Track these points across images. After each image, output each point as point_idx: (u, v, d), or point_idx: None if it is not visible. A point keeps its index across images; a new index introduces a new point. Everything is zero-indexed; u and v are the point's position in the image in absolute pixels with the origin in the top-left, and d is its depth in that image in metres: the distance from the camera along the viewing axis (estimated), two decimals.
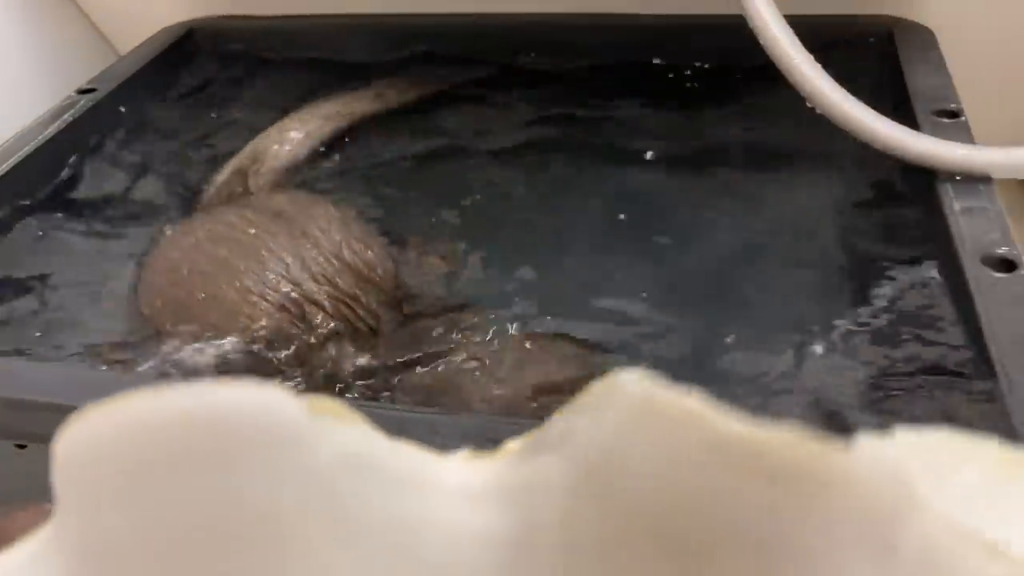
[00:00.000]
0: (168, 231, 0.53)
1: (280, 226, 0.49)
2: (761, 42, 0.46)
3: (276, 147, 0.59)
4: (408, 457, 0.16)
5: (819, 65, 0.45)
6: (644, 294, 0.46)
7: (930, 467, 0.12)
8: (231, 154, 0.59)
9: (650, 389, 0.11)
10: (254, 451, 0.14)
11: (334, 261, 0.47)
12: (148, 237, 0.54)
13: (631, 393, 0.11)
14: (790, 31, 0.45)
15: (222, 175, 0.57)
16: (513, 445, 0.17)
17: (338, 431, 0.15)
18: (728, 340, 0.42)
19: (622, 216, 0.53)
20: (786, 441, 0.10)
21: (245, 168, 0.57)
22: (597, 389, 0.12)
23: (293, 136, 0.60)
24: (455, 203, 0.55)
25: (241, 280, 0.45)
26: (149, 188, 0.58)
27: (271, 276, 0.46)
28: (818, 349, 0.41)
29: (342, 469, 0.15)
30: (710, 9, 0.58)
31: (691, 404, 0.11)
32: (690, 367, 0.41)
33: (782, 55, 0.45)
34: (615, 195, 0.54)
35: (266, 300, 0.45)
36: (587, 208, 0.54)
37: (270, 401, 0.14)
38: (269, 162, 0.57)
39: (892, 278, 0.43)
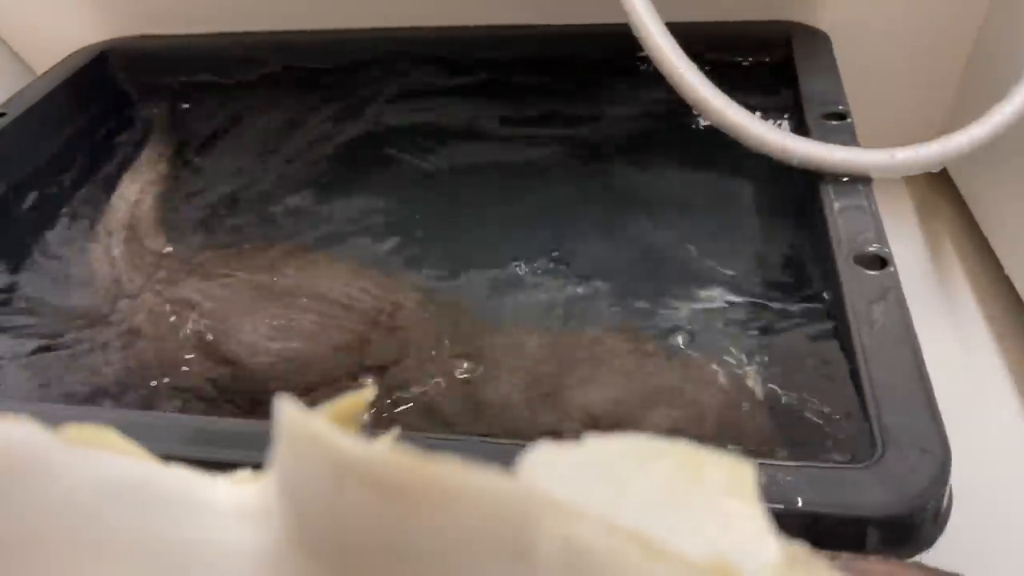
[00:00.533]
0: None
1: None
2: (645, 51, 0.47)
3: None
4: (178, 479, 0.17)
5: (702, 73, 0.46)
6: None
7: (610, 472, 0.13)
8: (143, 175, 0.59)
9: (292, 417, 0.12)
10: None
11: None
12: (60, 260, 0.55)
13: (282, 422, 0.12)
14: (672, 40, 0.46)
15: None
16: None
17: (97, 459, 0.16)
18: None
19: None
20: (396, 461, 0.11)
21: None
22: (277, 414, 0.13)
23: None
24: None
25: None
26: (60, 212, 0.58)
27: None
28: (689, 345, 0.42)
29: (100, 495, 0.16)
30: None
31: (319, 429, 0.12)
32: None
33: (665, 64, 0.46)
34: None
35: None
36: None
37: (10, 433, 0.15)
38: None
39: (773, 277, 0.45)
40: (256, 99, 0.69)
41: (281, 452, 0.13)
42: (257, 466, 0.19)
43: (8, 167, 0.59)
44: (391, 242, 0.54)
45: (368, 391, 0.15)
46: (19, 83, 0.69)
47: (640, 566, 0.12)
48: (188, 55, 0.69)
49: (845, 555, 0.23)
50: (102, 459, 0.16)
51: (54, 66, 0.66)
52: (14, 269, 0.55)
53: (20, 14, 0.70)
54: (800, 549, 0.13)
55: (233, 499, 0.17)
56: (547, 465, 0.13)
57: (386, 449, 0.11)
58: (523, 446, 0.30)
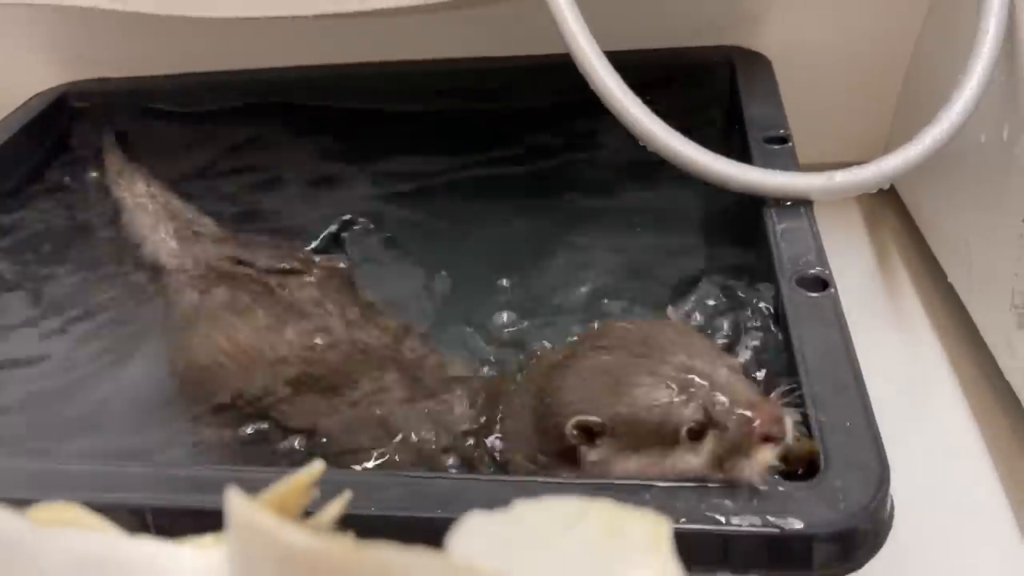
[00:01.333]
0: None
1: None
2: (593, 89, 0.49)
3: None
4: (143, 550, 0.18)
5: (645, 105, 0.48)
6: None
7: (538, 536, 0.15)
8: (104, 217, 0.60)
9: (241, 511, 0.13)
10: None
11: None
12: (27, 303, 0.55)
13: (232, 512, 0.14)
14: (616, 75, 0.48)
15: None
16: None
17: (69, 537, 0.17)
18: None
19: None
20: (334, 549, 0.12)
21: None
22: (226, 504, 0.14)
23: None
24: None
25: None
26: (20, 255, 0.59)
27: None
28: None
29: (75, 570, 0.17)
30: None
31: (267, 524, 0.13)
32: None
33: (609, 99, 0.48)
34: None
35: None
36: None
37: None
38: None
39: (720, 298, 0.46)
40: (210, 133, 0.70)
41: (231, 542, 0.14)
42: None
43: None
44: None
45: (315, 469, 0.16)
46: None
47: None
48: (144, 95, 0.70)
49: None
50: (71, 537, 0.17)
51: (15, 110, 0.67)
52: None
53: None
54: None
55: (197, 564, 0.18)
56: (478, 535, 0.14)
57: (325, 539, 0.12)
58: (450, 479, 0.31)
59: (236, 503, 0.13)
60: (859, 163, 0.48)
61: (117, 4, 0.60)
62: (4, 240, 0.61)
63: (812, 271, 0.43)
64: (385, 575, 0.12)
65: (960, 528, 0.45)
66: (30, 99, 0.69)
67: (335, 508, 0.16)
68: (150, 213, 0.57)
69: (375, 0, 0.55)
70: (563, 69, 0.51)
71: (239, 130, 0.68)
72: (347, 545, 0.13)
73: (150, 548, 0.18)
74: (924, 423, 0.52)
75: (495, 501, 0.15)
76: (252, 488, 0.33)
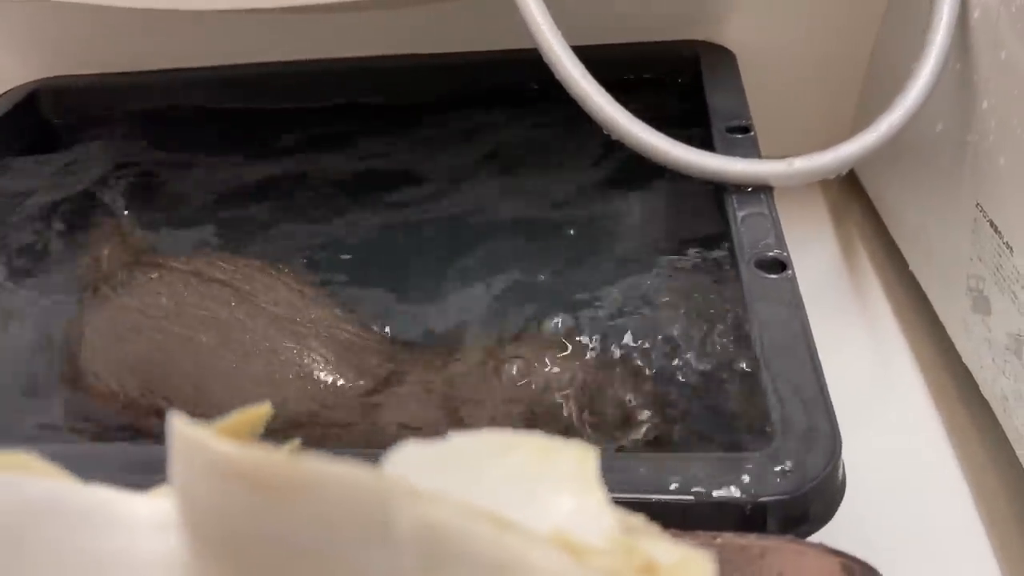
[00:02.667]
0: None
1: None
2: (555, 75, 0.50)
3: None
4: (96, 496, 0.19)
5: (609, 95, 0.49)
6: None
7: (470, 464, 0.15)
8: (73, 219, 0.60)
9: (180, 428, 0.14)
10: None
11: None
12: None
13: (175, 432, 0.14)
14: (579, 63, 0.49)
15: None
16: None
17: (17, 481, 0.17)
18: None
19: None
20: (265, 459, 0.13)
21: None
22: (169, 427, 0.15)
23: None
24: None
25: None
26: None
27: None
28: (596, 345, 0.44)
29: (22, 515, 0.17)
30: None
31: (199, 435, 0.14)
32: None
33: (574, 88, 0.49)
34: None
35: None
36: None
37: None
38: None
39: (681, 281, 0.47)
40: (184, 134, 0.70)
41: (173, 461, 0.14)
42: None
43: None
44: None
45: (264, 408, 0.17)
46: None
47: (492, 540, 0.14)
48: (116, 92, 0.71)
49: (726, 534, 0.25)
50: (21, 481, 0.18)
51: None
52: None
53: None
54: (636, 519, 0.15)
55: (151, 511, 0.19)
56: (411, 460, 0.15)
57: (259, 450, 0.13)
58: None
59: (178, 424, 0.14)
60: None
61: None
62: None
63: (770, 253, 0.44)
64: (318, 485, 0.13)
65: (916, 500, 0.46)
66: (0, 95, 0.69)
67: (286, 449, 0.16)
68: None
69: None
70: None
71: (217, 127, 0.69)
72: (283, 456, 0.13)
73: (104, 494, 0.18)
74: (885, 404, 0.53)
75: None
76: None
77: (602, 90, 0.49)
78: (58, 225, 0.62)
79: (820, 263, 0.65)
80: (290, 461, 0.13)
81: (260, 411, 0.17)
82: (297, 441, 0.18)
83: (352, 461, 0.13)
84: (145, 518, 0.19)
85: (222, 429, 0.15)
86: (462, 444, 0.16)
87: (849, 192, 0.70)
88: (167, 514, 0.18)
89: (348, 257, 0.56)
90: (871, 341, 0.58)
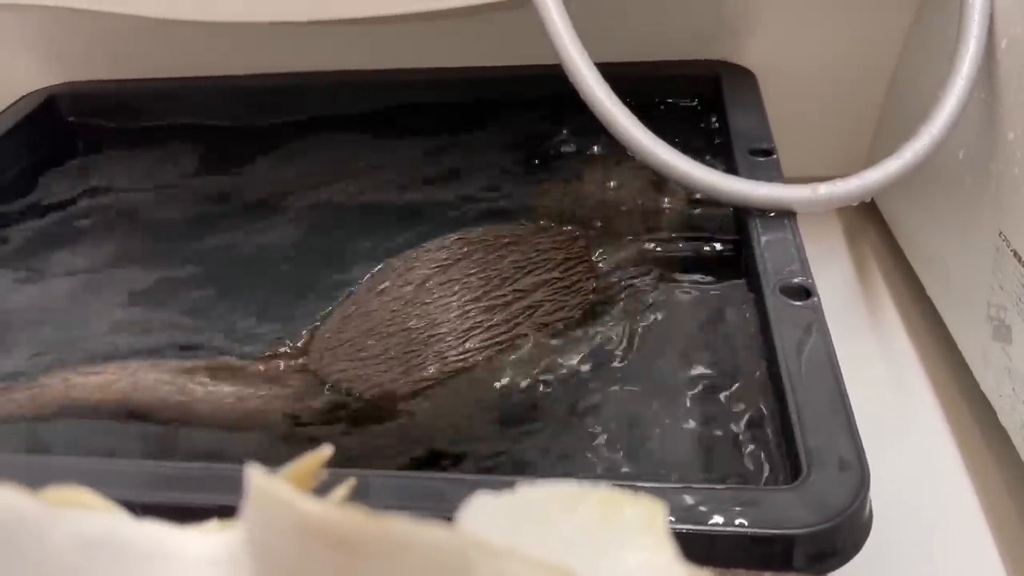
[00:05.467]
0: None
1: None
2: (581, 97, 0.50)
3: None
4: (151, 534, 0.18)
5: (633, 115, 0.49)
6: None
7: (540, 517, 0.15)
8: (92, 224, 0.60)
9: (260, 482, 0.14)
10: None
11: None
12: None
13: (254, 488, 0.14)
14: (605, 84, 0.49)
15: None
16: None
17: (76, 518, 0.17)
18: None
19: None
20: (349, 518, 0.13)
21: None
22: (246, 481, 0.15)
23: None
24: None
25: None
26: (9, 257, 0.59)
27: None
28: (621, 372, 0.44)
29: (81, 551, 0.17)
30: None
31: (283, 493, 0.13)
32: None
33: (599, 108, 0.49)
34: None
35: None
36: None
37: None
38: None
39: (704, 305, 0.47)
40: (201, 139, 0.70)
41: (251, 513, 0.14)
42: (222, 512, 0.21)
43: None
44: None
45: (325, 451, 0.17)
46: None
47: None
48: (134, 98, 0.71)
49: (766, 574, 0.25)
50: (81, 518, 0.17)
51: (3, 111, 0.67)
52: None
53: None
54: (705, 574, 0.15)
55: (203, 549, 0.18)
56: (484, 513, 0.15)
57: (343, 509, 0.13)
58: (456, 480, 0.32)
59: (255, 477, 0.14)
60: (840, 176, 0.49)
61: (106, 5, 0.60)
62: None
63: (795, 280, 0.44)
64: (402, 546, 0.13)
65: (934, 530, 0.46)
66: (18, 100, 0.69)
67: (342, 492, 0.16)
68: None
69: (373, 7, 0.56)
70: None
71: (237, 136, 0.69)
72: (365, 515, 0.13)
73: (157, 532, 0.18)
74: (901, 432, 0.53)
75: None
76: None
77: (627, 111, 0.49)
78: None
79: (834, 285, 0.65)
80: (372, 520, 0.13)
81: (321, 455, 0.17)
82: (351, 482, 0.18)
83: (433, 523, 0.13)
84: (197, 555, 0.19)
85: (290, 477, 0.15)
86: (531, 496, 0.16)
87: (864, 214, 0.70)
88: (219, 551, 0.18)
89: None
90: (886, 366, 0.58)
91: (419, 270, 0.47)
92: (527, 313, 0.46)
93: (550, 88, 0.53)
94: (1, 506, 0.16)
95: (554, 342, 0.46)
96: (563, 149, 0.63)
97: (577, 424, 0.42)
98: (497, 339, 0.45)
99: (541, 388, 0.45)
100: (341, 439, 0.44)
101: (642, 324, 0.47)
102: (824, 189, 0.48)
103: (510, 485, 0.16)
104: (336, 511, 0.13)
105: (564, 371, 0.45)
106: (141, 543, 0.18)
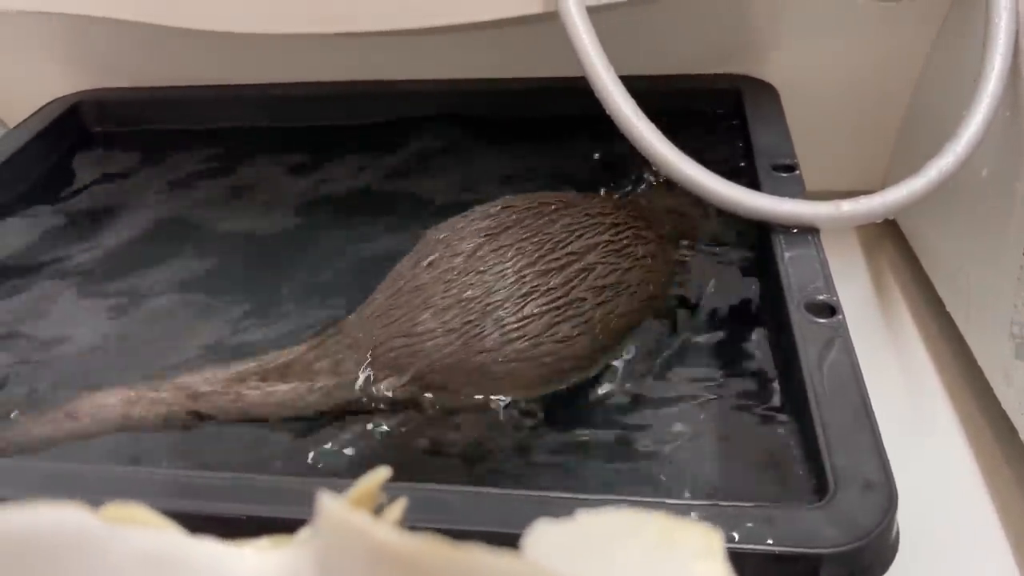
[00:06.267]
0: None
1: None
2: (605, 109, 0.50)
3: None
4: (206, 551, 0.19)
5: (658, 130, 0.49)
6: None
7: (600, 545, 0.15)
8: (116, 228, 0.61)
9: (334, 510, 0.14)
10: (46, 562, 0.16)
11: None
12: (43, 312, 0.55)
13: (324, 512, 0.14)
14: (631, 99, 0.49)
15: None
16: (303, 535, 0.20)
17: (134, 535, 0.18)
18: None
19: None
20: (425, 548, 0.13)
21: None
22: (317, 506, 0.15)
23: None
24: None
25: None
26: (36, 263, 0.59)
27: None
28: (646, 388, 0.44)
29: (139, 567, 0.18)
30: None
31: (360, 523, 0.14)
32: None
33: (624, 122, 0.49)
34: None
35: None
36: None
37: (61, 517, 0.16)
38: None
39: (727, 321, 0.47)
40: (222, 147, 0.71)
41: (322, 538, 0.14)
42: (260, 525, 0.21)
43: None
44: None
45: (383, 472, 0.17)
46: None
47: None
48: (157, 105, 0.71)
49: None
50: (139, 535, 0.18)
51: (29, 117, 0.68)
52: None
53: None
54: None
55: (259, 566, 0.19)
56: (546, 541, 0.15)
57: (418, 538, 0.13)
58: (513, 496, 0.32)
59: (328, 503, 0.14)
60: (857, 192, 0.49)
61: (128, 14, 0.61)
62: (14, 244, 0.61)
63: (820, 297, 0.44)
64: (479, 575, 0.13)
65: (954, 549, 0.46)
66: (44, 106, 0.70)
67: (396, 512, 0.17)
68: None
69: (394, 20, 0.56)
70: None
71: (254, 145, 0.69)
72: (440, 544, 0.13)
73: (213, 549, 0.18)
74: (920, 449, 0.53)
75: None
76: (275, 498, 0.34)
77: (652, 125, 0.49)
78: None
79: (852, 300, 0.64)
80: (446, 549, 0.13)
81: (379, 477, 0.17)
82: (403, 501, 0.18)
83: (507, 552, 0.13)
84: (253, 571, 0.19)
85: (353, 499, 0.16)
86: (590, 524, 0.16)
87: (883, 229, 0.70)
88: (275, 569, 0.19)
89: None
90: (905, 383, 0.58)
91: (468, 240, 0.47)
92: (582, 276, 0.46)
93: (572, 102, 0.54)
94: (67, 524, 0.16)
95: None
96: (590, 163, 0.64)
97: (598, 440, 0.42)
98: (555, 303, 0.45)
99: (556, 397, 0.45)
100: (401, 427, 0.44)
101: (664, 341, 0.47)
102: (848, 206, 0.48)
103: (559, 505, 0.16)
104: (412, 540, 0.13)
105: (586, 387, 0.45)
106: (198, 560, 0.18)
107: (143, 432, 0.45)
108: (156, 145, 0.70)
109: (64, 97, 0.71)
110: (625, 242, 0.48)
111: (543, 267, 0.45)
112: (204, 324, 0.53)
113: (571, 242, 0.46)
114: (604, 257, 0.47)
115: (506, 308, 0.44)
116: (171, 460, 0.44)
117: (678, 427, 0.42)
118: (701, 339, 0.47)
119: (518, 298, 0.44)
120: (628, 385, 0.45)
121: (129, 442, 0.45)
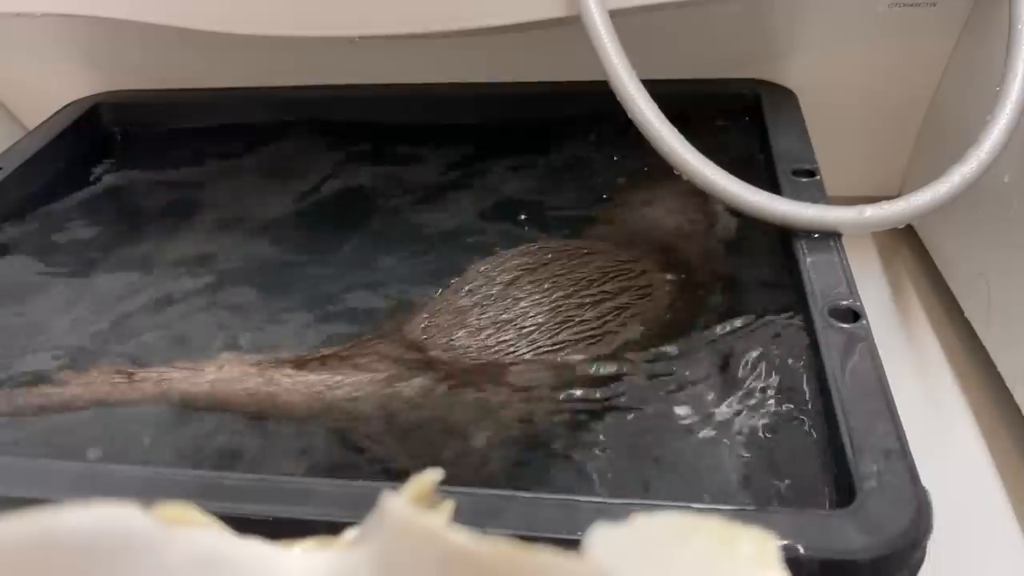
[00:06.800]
0: None
1: None
2: (628, 114, 0.50)
3: None
4: (255, 552, 0.19)
5: (681, 135, 0.49)
6: None
7: (657, 548, 0.15)
8: (135, 228, 0.61)
9: (403, 512, 0.14)
10: (105, 562, 0.16)
11: None
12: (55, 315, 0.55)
13: (392, 514, 0.14)
14: (654, 104, 0.49)
15: None
16: (349, 535, 0.20)
17: (188, 536, 0.18)
18: None
19: None
20: (497, 552, 0.13)
21: None
22: (378, 506, 0.15)
23: None
24: None
25: None
26: (55, 265, 0.59)
27: None
28: (668, 394, 0.44)
29: (193, 568, 0.18)
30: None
31: (430, 525, 0.14)
32: None
33: (647, 127, 0.49)
34: None
35: None
36: None
37: (119, 517, 0.16)
38: None
39: (750, 326, 0.47)
40: (241, 149, 0.71)
41: (388, 540, 0.14)
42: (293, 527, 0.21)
43: (5, 219, 0.60)
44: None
45: (435, 474, 0.17)
46: (9, 138, 0.70)
47: None
48: (176, 107, 0.72)
49: None
50: (192, 536, 0.18)
51: (48, 119, 0.68)
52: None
53: (10, 72, 0.72)
54: None
55: (304, 568, 0.19)
56: (605, 543, 0.15)
57: (490, 540, 0.13)
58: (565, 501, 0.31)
59: (394, 504, 0.14)
60: (874, 199, 0.49)
61: (148, 17, 0.61)
62: (33, 245, 0.61)
63: (844, 302, 0.44)
64: None
65: (974, 554, 0.46)
66: (63, 108, 0.70)
67: (446, 513, 0.17)
68: None
69: (415, 24, 0.56)
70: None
71: (273, 147, 0.69)
72: (511, 547, 0.13)
73: (262, 549, 0.19)
74: (939, 456, 0.52)
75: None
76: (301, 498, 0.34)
77: (675, 130, 0.49)
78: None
79: (869, 307, 0.64)
80: (518, 552, 0.13)
81: (432, 477, 0.17)
82: (452, 503, 0.18)
83: (575, 555, 0.13)
84: (296, 573, 0.19)
85: (409, 496, 0.16)
86: (646, 527, 0.16)
87: (899, 234, 0.70)
88: (317, 571, 0.19)
89: None
90: (924, 389, 0.58)
91: (507, 272, 0.49)
92: (615, 313, 0.48)
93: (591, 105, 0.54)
94: (122, 524, 0.16)
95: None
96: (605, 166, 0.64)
97: (620, 444, 0.42)
98: (588, 333, 0.47)
99: (585, 401, 0.45)
100: (431, 426, 0.44)
101: (688, 347, 0.47)
102: (871, 211, 0.48)
103: (615, 510, 0.16)
104: (485, 543, 0.13)
105: (609, 388, 0.45)
106: (248, 561, 0.18)
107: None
108: (175, 147, 0.70)
109: (83, 99, 0.71)
110: (653, 290, 0.50)
111: (578, 300, 0.48)
112: (227, 323, 0.53)
113: (605, 282, 0.49)
114: (636, 299, 0.49)
115: (541, 330, 0.46)
116: (218, 462, 0.43)
117: (701, 432, 0.42)
118: (723, 345, 0.47)
119: (554, 324, 0.47)
120: (650, 391, 0.45)
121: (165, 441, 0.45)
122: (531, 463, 0.43)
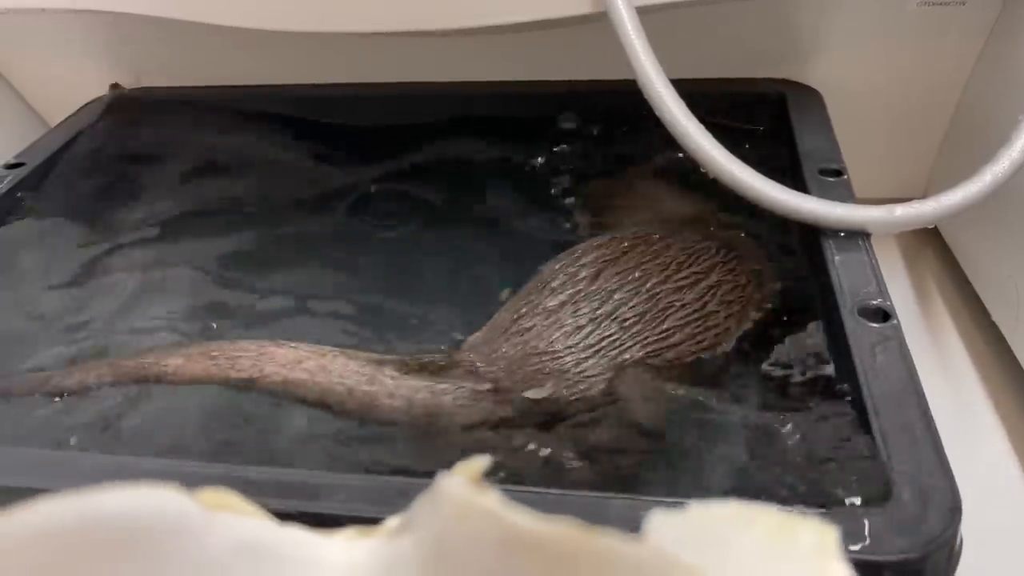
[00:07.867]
0: None
1: None
2: (655, 112, 0.49)
3: None
4: (297, 540, 0.18)
5: (709, 133, 0.49)
6: None
7: (715, 535, 0.15)
8: (157, 226, 0.61)
9: (462, 492, 0.14)
10: (147, 545, 0.16)
11: None
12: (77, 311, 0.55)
13: (449, 495, 0.14)
14: (681, 101, 0.49)
15: None
16: (391, 524, 0.19)
17: (230, 521, 0.17)
18: None
19: None
20: (560, 532, 0.13)
21: None
22: (432, 487, 0.15)
23: None
24: None
25: None
26: (78, 261, 0.59)
27: None
28: (697, 394, 0.44)
29: (235, 554, 0.17)
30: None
31: (490, 504, 0.13)
32: None
33: (674, 125, 0.48)
34: None
35: None
36: None
37: (162, 501, 0.16)
38: None
39: (778, 326, 0.47)
40: (263, 146, 0.71)
41: (443, 522, 0.14)
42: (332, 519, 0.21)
43: (29, 215, 0.60)
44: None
45: (483, 460, 0.17)
46: (29, 132, 0.70)
47: None
48: (197, 104, 0.71)
49: None
50: (233, 522, 0.17)
51: (70, 116, 0.68)
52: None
53: (33, 68, 0.72)
54: None
55: (347, 557, 0.18)
56: (663, 530, 0.15)
57: (553, 522, 0.13)
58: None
59: (451, 484, 0.14)
60: (898, 199, 0.49)
61: (170, 12, 0.61)
62: (55, 243, 0.61)
63: (874, 302, 0.43)
64: (610, 561, 0.13)
65: (999, 560, 0.45)
66: (85, 104, 0.70)
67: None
68: None
69: (438, 20, 0.56)
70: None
71: (293, 143, 0.69)
72: (575, 529, 0.13)
73: (301, 536, 0.18)
74: (966, 459, 0.52)
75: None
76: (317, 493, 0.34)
77: (703, 128, 0.48)
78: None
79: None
80: (584, 535, 0.13)
81: (480, 463, 0.16)
82: (496, 492, 0.18)
83: (637, 539, 0.12)
84: (338, 562, 0.18)
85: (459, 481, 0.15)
86: (703, 514, 0.15)
87: (923, 236, 0.69)
88: (366, 560, 0.18)
89: None
90: (950, 392, 0.57)
91: (589, 266, 0.48)
92: (711, 291, 0.47)
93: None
94: (164, 507, 0.16)
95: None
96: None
97: (651, 443, 0.42)
98: (691, 317, 0.46)
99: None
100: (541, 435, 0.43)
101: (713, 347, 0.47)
102: (901, 211, 0.48)
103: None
104: (548, 524, 0.13)
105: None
106: (290, 548, 0.18)
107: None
108: (196, 143, 0.70)
109: (105, 96, 0.71)
110: (730, 262, 0.49)
111: (673, 285, 0.46)
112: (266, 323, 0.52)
113: (692, 263, 0.48)
114: (725, 274, 0.48)
115: (645, 321, 0.45)
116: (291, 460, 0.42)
117: (732, 432, 0.42)
118: (751, 345, 0.47)
119: (656, 312, 0.45)
120: (679, 391, 0.44)
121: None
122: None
